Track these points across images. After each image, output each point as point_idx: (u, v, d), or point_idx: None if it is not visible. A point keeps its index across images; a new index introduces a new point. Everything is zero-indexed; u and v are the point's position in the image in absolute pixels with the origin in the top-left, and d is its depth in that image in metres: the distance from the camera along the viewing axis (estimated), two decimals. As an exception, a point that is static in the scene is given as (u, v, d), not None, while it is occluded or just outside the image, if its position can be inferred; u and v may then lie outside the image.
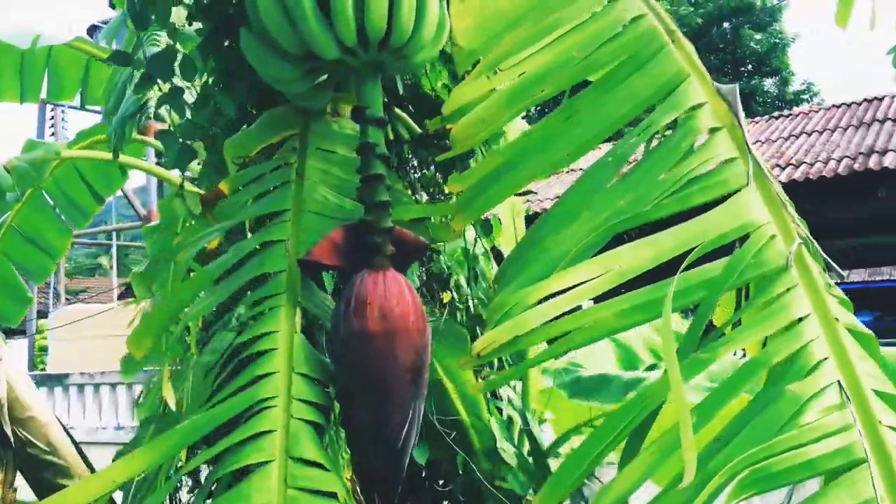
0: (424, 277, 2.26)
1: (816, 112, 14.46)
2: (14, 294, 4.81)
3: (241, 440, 1.59)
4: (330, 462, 1.60)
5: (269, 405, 1.61)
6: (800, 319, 1.33)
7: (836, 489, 1.23)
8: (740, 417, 1.28)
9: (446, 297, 2.49)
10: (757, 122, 15.24)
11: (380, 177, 1.71)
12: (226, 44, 2.29)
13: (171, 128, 3.51)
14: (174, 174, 6.50)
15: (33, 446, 3.64)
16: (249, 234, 1.98)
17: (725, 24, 22.64)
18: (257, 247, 1.84)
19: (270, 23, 1.74)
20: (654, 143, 1.61)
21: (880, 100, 13.83)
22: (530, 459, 2.58)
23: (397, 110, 1.98)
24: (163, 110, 3.49)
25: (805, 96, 29.00)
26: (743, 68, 29.58)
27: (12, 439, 3.66)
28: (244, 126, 2.38)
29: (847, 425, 1.26)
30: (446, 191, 1.94)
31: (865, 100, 14.15)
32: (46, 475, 3.72)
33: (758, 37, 27.93)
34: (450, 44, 1.82)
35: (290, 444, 1.58)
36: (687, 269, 1.39)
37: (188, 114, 2.83)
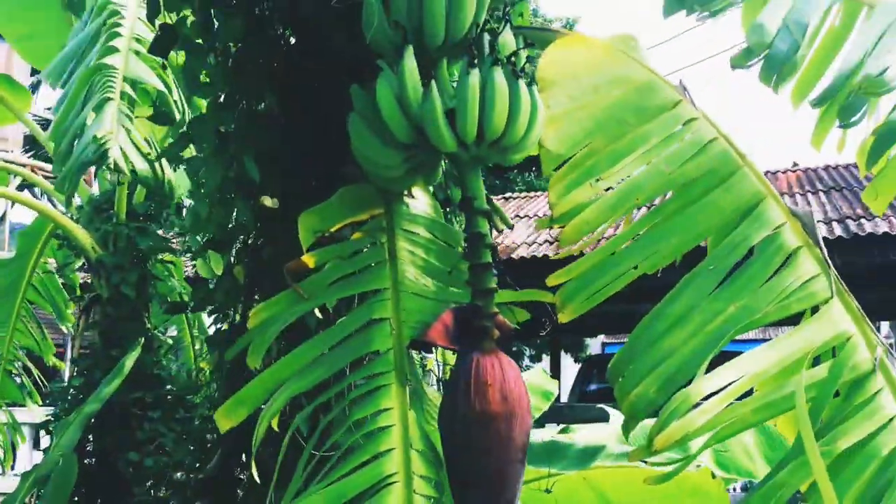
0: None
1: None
2: None
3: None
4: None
5: (393, 481, 1.68)
6: (892, 419, 1.59)
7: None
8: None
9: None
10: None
11: (489, 265, 1.84)
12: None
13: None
14: (51, 208, 6.17)
15: None
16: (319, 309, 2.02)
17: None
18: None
19: (388, 115, 1.84)
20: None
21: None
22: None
23: (494, 201, 2.11)
24: (120, 160, 3.42)
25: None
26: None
27: None
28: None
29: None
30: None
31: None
32: None
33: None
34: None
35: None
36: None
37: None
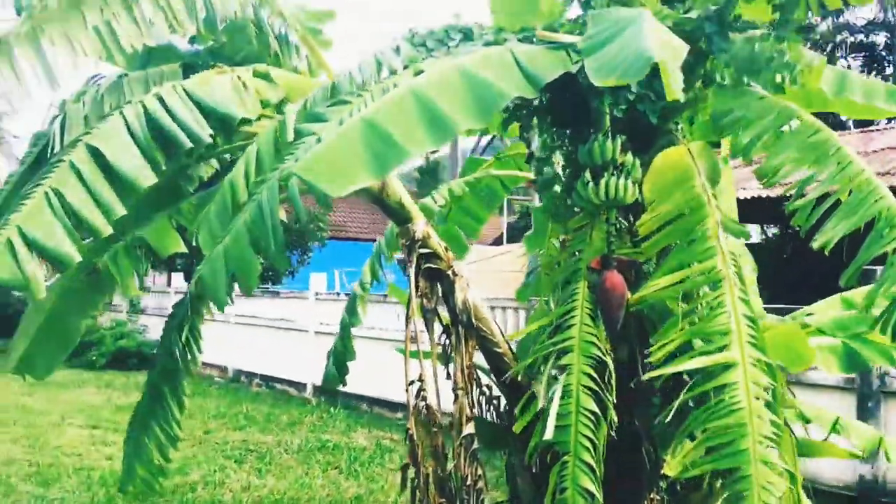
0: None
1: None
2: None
3: (563, 338, 5.50)
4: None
5: (578, 308, 5.51)
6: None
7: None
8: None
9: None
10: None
11: (612, 242, 5.52)
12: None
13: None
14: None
15: (482, 331, 5.75)
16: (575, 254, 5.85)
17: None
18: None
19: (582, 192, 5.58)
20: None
21: None
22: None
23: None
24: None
25: None
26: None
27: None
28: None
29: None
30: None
31: None
32: (487, 346, 5.72)
33: None
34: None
35: (584, 321, 5.47)
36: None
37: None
